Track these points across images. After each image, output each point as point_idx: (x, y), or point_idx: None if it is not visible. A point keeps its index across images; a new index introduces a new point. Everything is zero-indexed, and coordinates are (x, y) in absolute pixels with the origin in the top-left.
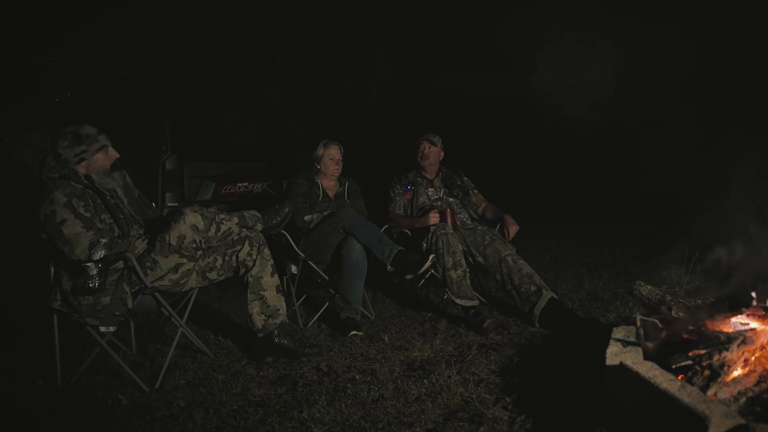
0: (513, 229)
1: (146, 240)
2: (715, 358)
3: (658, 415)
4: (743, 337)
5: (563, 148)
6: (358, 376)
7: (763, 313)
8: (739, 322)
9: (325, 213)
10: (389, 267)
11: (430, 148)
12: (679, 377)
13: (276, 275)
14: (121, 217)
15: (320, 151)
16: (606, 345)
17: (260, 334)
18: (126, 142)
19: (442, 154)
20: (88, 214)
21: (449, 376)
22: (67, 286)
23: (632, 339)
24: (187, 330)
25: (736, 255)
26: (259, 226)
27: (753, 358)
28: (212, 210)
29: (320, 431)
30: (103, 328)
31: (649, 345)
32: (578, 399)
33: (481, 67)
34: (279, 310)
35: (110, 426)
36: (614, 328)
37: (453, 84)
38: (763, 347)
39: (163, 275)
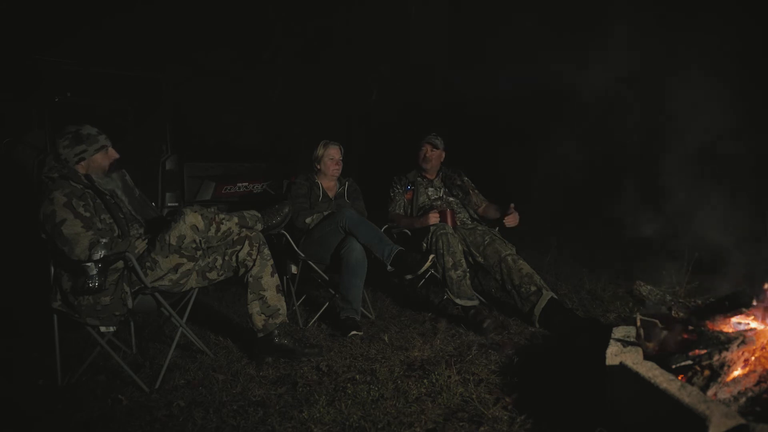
0: (514, 217)
1: (146, 240)
2: (715, 358)
3: (658, 415)
4: (743, 337)
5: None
6: (358, 376)
7: (763, 313)
8: (739, 322)
9: (325, 213)
10: (389, 267)
11: (432, 151)
12: (679, 377)
13: (276, 275)
14: (121, 216)
15: (320, 152)
16: (606, 345)
17: (260, 334)
18: (126, 142)
19: (444, 155)
20: (88, 214)
21: (449, 376)
22: (67, 286)
23: (632, 339)
24: (187, 330)
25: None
26: (259, 226)
27: (753, 358)
28: (212, 210)
29: (320, 431)
30: (103, 328)
31: (649, 345)
32: (578, 399)
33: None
34: (279, 310)
35: (110, 426)
36: (614, 328)
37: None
38: (763, 347)
39: (163, 275)
